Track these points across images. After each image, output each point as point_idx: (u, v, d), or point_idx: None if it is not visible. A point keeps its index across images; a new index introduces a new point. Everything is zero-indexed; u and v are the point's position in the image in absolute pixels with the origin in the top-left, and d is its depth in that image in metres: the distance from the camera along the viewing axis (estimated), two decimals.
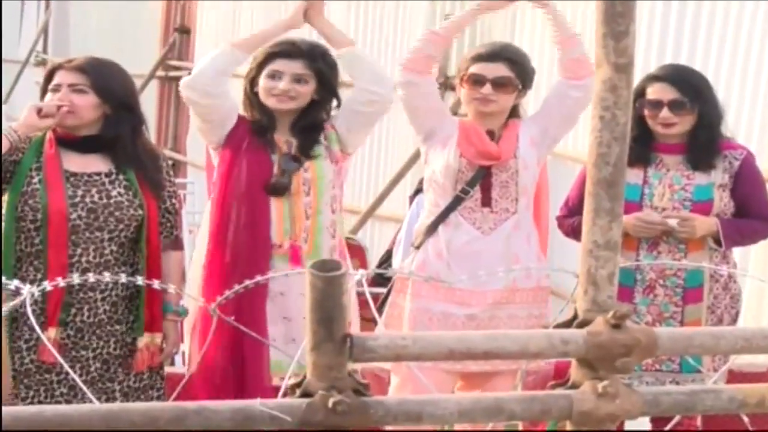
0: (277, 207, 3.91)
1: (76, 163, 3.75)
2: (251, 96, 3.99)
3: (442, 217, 4.12)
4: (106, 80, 3.76)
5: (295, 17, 4.05)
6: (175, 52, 11.62)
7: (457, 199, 4.11)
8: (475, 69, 4.13)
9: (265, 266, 3.83)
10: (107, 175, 3.77)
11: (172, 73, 11.59)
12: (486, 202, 4.12)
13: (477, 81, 4.13)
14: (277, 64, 3.93)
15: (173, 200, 3.88)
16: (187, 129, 10.97)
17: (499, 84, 4.11)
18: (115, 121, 3.76)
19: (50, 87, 3.78)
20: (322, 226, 3.95)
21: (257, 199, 3.89)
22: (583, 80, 4.04)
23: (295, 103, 3.94)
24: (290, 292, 3.86)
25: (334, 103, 4.06)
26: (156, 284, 2.32)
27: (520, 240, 4.14)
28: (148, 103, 11.86)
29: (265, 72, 3.94)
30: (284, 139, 3.97)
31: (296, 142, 3.96)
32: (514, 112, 4.23)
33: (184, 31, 11.47)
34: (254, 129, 3.95)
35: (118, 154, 3.77)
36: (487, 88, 4.11)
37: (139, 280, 2.55)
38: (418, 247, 4.19)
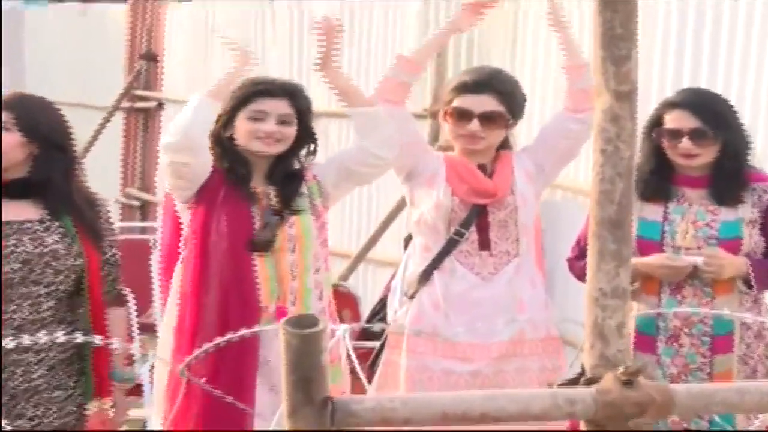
0: (260, 266, 3.92)
1: (5, 210, 3.72)
2: (225, 141, 3.99)
3: (436, 262, 4.13)
4: (31, 117, 3.75)
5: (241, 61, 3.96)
6: (142, 81, 11.66)
7: (452, 242, 4.13)
8: (459, 102, 4.15)
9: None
10: (40, 222, 3.75)
11: (139, 104, 11.62)
12: (484, 244, 4.13)
13: (462, 116, 4.14)
14: (260, 104, 3.96)
15: (114, 251, 3.88)
16: (156, 165, 10.99)
17: (487, 119, 4.13)
18: (45, 162, 3.74)
19: None
20: (310, 287, 3.97)
21: (240, 256, 3.90)
22: (584, 113, 4.06)
23: (280, 146, 3.97)
24: (276, 360, 3.85)
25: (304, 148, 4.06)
26: (97, 340, 2.32)
27: (523, 284, 4.15)
28: (114, 137, 11.91)
29: (244, 114, 3.96)
30: (261, 189, 3.98)
31: (274, 192, 3.98)
32: (504, 143, 4.24)
33: (151, 57, 11.52)
34: (230, 179, 3.96)
35: (50, 199, 3.75)
36: (475, 124, 4.12)
37: (79, 338, 2.54)
38: (411, 297, 4.20)
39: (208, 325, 3.86)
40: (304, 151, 4.06)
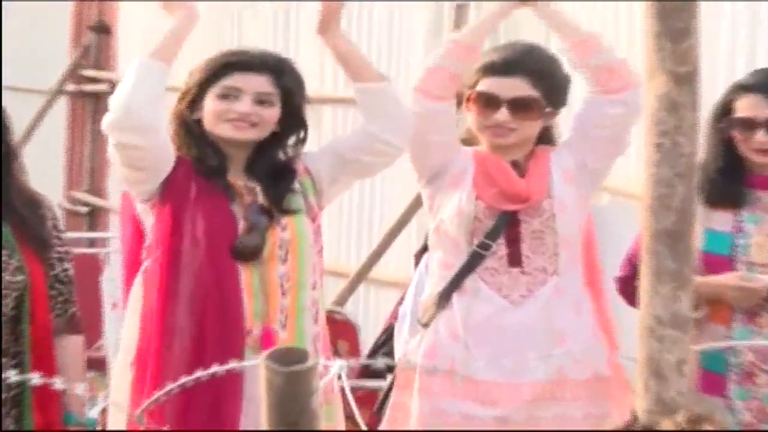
0: (244, 278, 3.93)
1: None
2: (192, 124, 4.00)
3: (457, 282, 4.14)
4: None
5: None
6: (91, 59, 11.70)
7: (476, 257, 4.13)
8: (485, 86, 4.16)
9: (237, 360, 3.77)
10: None
11: (88, 87, 11.67)
12: (515, 260, 4.14)
13: (488, 102, 4.15)
14: (234, 80, 3.97)
15: (65, 265, 3.91)
16: (109, 163, 11.01)
17: (518, 107, 4.13)
18: None
19: None
20: (304, 306, 3.98)
21: (222, 265, 3.91)
22: (618, 94, 4.08)
23: (255, 132, 3.98)
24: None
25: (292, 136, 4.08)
26: (34, 379, 2.32)
27: (565, 310, 4.16)
28: (56, 127, 11.93)
29: (214, 90, 3.97)
30: (242, 184, 4.00)
31: (261, 188, 3.99)
32: (545, 136, 4.25)
33: (103, 29, 11.56)
34: (200, 170, 3.96)
35: None
36: (503, 113, 4.13)
37: (12, 376, 2.56)
38: (426, 325, 4.20)
39: (178, 353, 3.86)
40: (291, 140, 4.06)
